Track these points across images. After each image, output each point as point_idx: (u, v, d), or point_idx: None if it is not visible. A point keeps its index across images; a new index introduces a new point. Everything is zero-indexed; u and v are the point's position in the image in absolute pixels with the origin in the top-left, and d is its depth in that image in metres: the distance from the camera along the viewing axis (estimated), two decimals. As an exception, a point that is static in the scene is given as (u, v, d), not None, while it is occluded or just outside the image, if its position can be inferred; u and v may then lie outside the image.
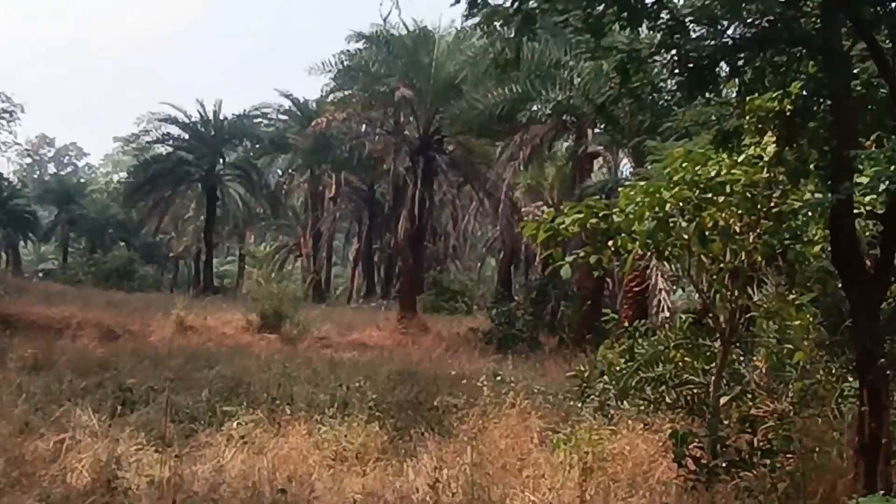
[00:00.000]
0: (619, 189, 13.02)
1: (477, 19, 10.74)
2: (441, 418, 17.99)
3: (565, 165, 46.74)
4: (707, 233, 11.33)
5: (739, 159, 11.27)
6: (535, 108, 35.31)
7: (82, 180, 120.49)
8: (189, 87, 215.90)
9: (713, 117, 12.46)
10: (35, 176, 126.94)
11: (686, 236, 11.61)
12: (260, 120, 77.79)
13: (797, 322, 11.98)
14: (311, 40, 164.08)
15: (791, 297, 12.20)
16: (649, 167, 18.39)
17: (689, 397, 14.11)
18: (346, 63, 48.68)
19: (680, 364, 13.44)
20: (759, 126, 10.83)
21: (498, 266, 65.61)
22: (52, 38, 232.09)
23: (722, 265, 11.80)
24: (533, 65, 28.69)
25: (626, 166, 46.11)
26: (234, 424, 15.70)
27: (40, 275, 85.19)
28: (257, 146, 78.05)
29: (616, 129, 25.81)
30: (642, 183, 12.11)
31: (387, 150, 53.53)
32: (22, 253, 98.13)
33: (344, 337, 37.59)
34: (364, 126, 53.35)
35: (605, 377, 15.09)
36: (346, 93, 53.73)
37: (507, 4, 10.28)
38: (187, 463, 13.70)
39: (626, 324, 19.47)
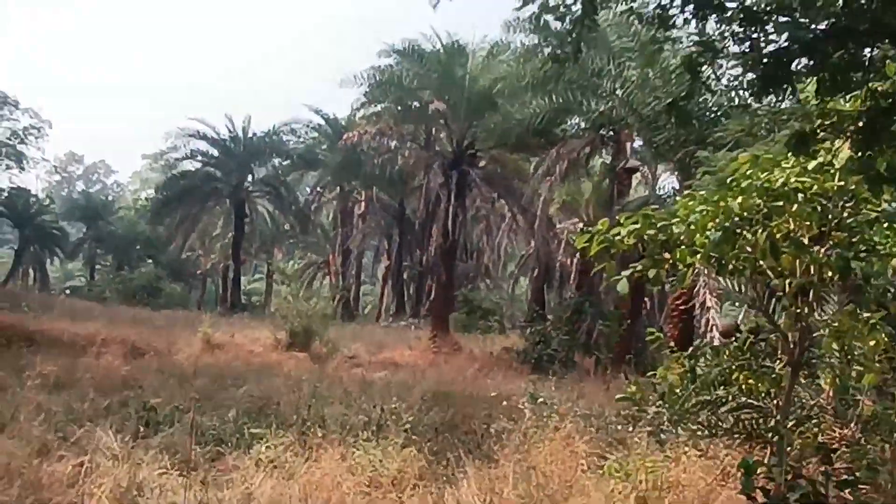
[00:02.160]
0: (677, 201, 12.20)
1: (530, 11, 9.98)
2: (480, 442, 17.32)
3: (602, 181, 46.03)
4: (778, 244, 10.51)
5: (810, 166, 10.42)
6: (572, 121, 34.70)
7: (110, 197, 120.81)
8: (219, 103, 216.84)
9: (765, 121, 11.70)
10: (63, 193, 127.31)
11: (749, 248, 10.79)
12: (289, 138, 77.48)
13: (871, 342, 11.08)
14: (342, 58, 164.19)
15: (865, 315, 11.27)
16: (699, 179, 17.70)
17: (747, 422, 13.29)
18: (377, 77, 48.04)
19: (743, 387, 12.60)
20: (838, 128, 9.98)
21: (531, 284, 64.90)
22: (80, 56, 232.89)
23: (790, 280, 10.94)
24: (574, 74, 28.00)
25: (665, 182, 45.49)
26: (263, 447, 14.96)
27: (67, 291, 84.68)
28: (286, 162, 77.68)
29: (688, 127, 24.98)
30: (702, 192, 11.26)
31: (419, 166, 53.48)
32: (49, 270, 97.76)
33: (374, 356, 37.03)
34: (395, 142, 52.55)
35: (658, 400, 14.24)
36: (378, 108, 53.15)
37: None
38: (213, 488, 13.22)
39: (672, 344, 18.68)
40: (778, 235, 10.58)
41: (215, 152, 75.80)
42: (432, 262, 54.97)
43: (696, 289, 25.68)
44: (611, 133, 39.40)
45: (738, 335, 13.83)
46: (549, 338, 38.02)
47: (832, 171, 10.45)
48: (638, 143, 40.87)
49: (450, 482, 14.12)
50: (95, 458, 13.83)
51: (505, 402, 18.94)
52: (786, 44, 9.54)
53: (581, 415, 17.92)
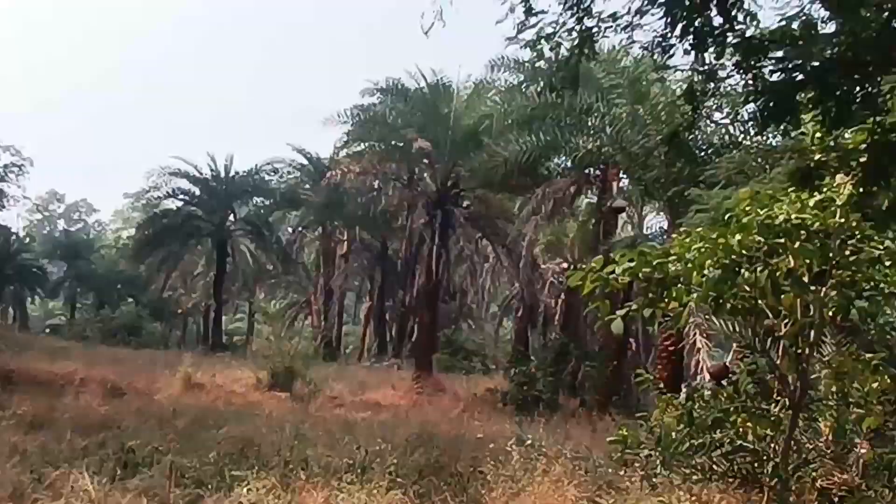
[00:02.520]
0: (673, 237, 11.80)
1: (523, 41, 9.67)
2: (466, 485, 16.87)
3: (588, 221, 45.84)
4: (780, 283, 10.13)
5: (811, 202, 10.07)
6: (558, 160, 34.36)
7: (91, 236, 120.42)
8: (202, 141, 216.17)
9: (758, 159, 11.35)
10: (45, 232, 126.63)
11: (748, 287, 10.41)
12: (271, 178, 77.41)
13: (874, 384, 10.70)
14: (325, 97, 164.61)
15: (868, 356, 10.89)
16: (691, 217, 17.42)
17: (742, 466, 12.90)
18: (361, 116, 48.49)
19: (740, 430, 12.20)
20: (843, 162, 9.62)
21: (515, 325, 64.75)
22: (65, 92, 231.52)
23: (790, 320, 10.57)
24: (561, 111, 27.71)
25: (652, 221, 45.25)
26: (244, 490, 14.48)
27: (47, 330, 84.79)
28: (269, 202, 77.74)
29: (683, 164, 24.51)
30: (699, 229, 10.89)
31: (402, 205, 53.86)
32: (29, 308, 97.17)
33: (357, 396, 36.49)
34: (378, 181, 52.44)
35: (649, 443, 13.79)
36: (362, 146, 53.00)
37: (562, 21, 9.17)
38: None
39: (662, 386, 18.31)
40: (778, 274, 10.22)
41: (197, 191, 75.51)
42: (415, 303, 54.64)
43: (686, 330, 25.24)
44: (597, 172, 39.44)
45: (730, 376, 13.49)
46: (533, 379, 37.49)
47: (833, 208, 10.12)
48: (625, 182, 40.76)
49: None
50: (72, 502, 13.45)
51: (492, 445, 18.52)
52: (791, 75, 9.22)
53: (569, 457, 17.50)
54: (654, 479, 13.74)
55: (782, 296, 10.20)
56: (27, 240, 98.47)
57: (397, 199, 53.28)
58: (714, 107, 23.98)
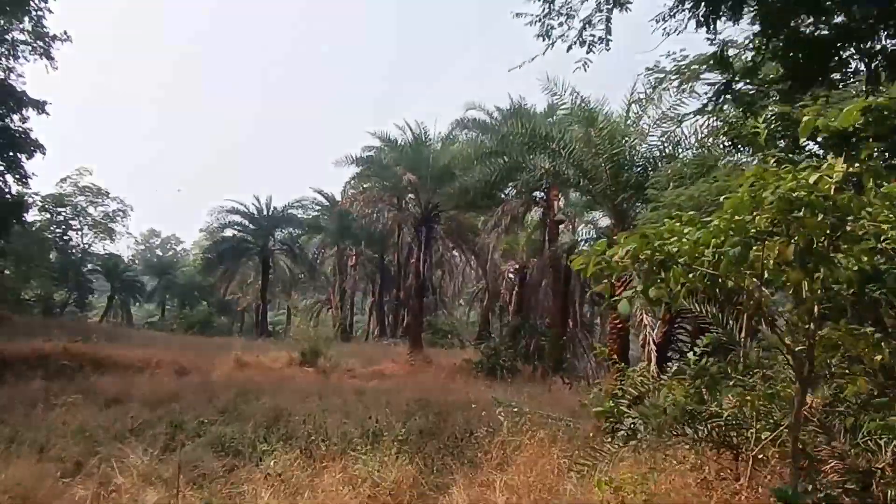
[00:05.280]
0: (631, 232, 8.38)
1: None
2: (462, 447, 13.64)
3: (534, 231, 43.62)
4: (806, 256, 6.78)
5: (811, 179, 6.70)
6: (513, 184, 31.06)
7: (177, 259, 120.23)
8: (248, 186, 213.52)
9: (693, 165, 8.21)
10: (147, 257, 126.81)
11: (747, 264, 7.07)
12: (299, 212, 75.81)
13: (877, 357, 7.33)
14: (339, 144, 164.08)
15: (867, 329, 7.48)
16: (649, 213, 14.30)
17: (720, 434, 9.63)
18: (364, 162, 48.05)
19: (748, 403, 8.90)
20: (883, 127, 6.28)
21: (480, 312, 62.96)
22: (160, 155, 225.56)
23: (804, 296, 7.20)
24: (526, 137, 24.42)
25: (583, 230, 42.40)
26: (272, 462, 11.41)
27: (146, 325, 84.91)
28: (298, 229, 76.44)
29: (629, 170, 21.21)
30: (691, 213, 7.52)
31: (395, 226, 52.66)
32: (133, 310, 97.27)
33: (367, 368, 33.36)
34: (376, 209, 50.19)
35: (631, 411, 10.34)
36: (366, 186, 51.39)
37: None
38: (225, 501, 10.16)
39: (615, 357, 15.24)
40: (802, 246, 6.88)
41: (247, 223, 74.15)
42: (406, 297, 53.05)
43: (634, 309, 21.93)
44: (542, 195, 37.36)
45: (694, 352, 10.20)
46: (498, 351, 34.63)
47: (827, 185, 6.78)
48: (562, 202, 38.91)
49: (440, 490, 10.66)
50: (118, 478, 10.80)
51: (483, 412, 15.33)
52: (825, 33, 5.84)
53: (545, 417, 14.24)
54: (635, 443, 10.43)
55: (795, 271, 6.85)
56: (131, 262, 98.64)
57: (391, 220, 51.15)
58: (650, 127, 21.00)
